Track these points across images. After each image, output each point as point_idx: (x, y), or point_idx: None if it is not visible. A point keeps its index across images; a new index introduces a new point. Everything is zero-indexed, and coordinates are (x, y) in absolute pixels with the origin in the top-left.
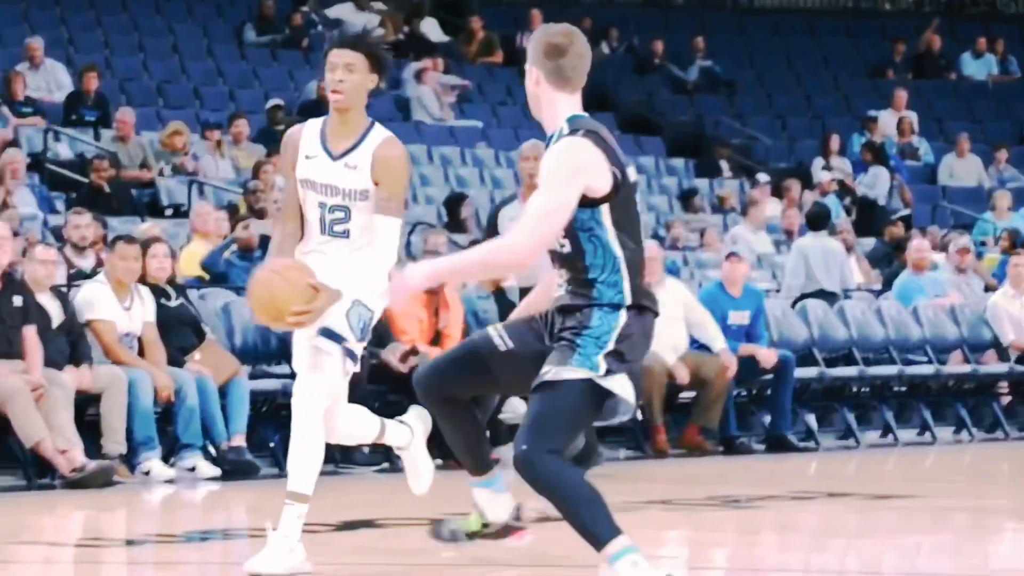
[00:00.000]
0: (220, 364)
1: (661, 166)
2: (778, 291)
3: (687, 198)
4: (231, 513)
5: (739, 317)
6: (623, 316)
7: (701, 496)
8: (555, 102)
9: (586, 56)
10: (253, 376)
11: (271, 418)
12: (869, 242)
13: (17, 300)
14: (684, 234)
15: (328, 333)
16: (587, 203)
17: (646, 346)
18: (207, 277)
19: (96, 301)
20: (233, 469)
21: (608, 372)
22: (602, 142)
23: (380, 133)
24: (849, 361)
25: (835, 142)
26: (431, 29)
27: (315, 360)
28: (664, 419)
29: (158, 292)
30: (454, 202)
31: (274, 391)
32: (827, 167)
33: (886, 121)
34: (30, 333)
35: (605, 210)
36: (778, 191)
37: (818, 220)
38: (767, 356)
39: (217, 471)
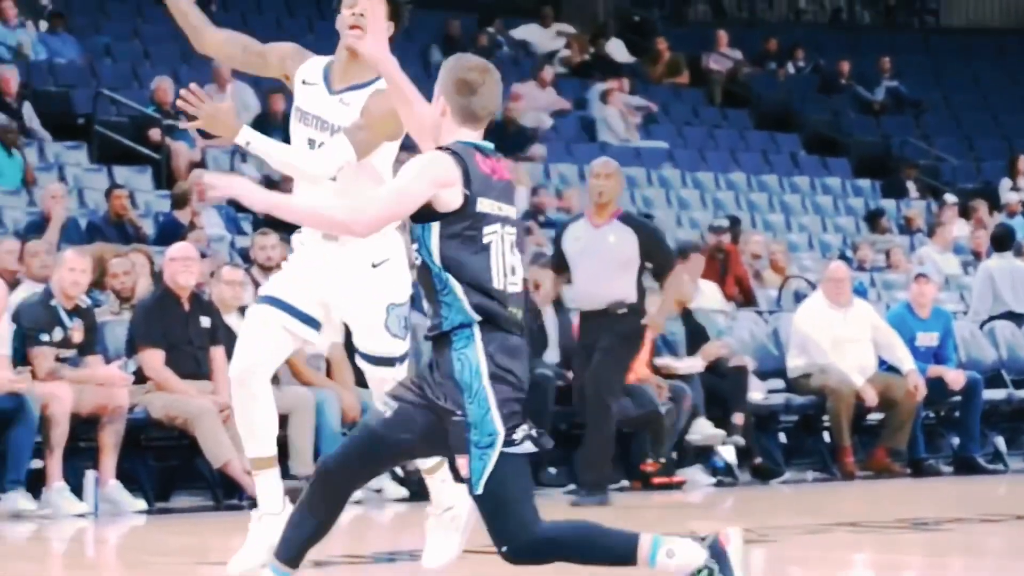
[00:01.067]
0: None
1: (847, 187)
2: (966, 312)
3: (874, 219)
4: (418, 534)
5: (927, 338)
6: (477, 340)
7: (889, 518)
8: (456, 135)
9: (497, 94)
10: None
11: None
12: None
13: (205, 321)
14: (871, 255)
15: (379, 360)
16: (427, 216)
17: (520, 365)
18: None
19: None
20: (420, 491)
21: (510, 435)
22: (464, 163)
23: (384, 84)
24: None
25: (1023, 162)
26: (617, 50)
27: (379, 386)
28: (852, 441)
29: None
30: None
31: None
32: (1015, 188)
33: None
34: (218, 354)
35: (436, 228)
36: (965, 212)
37: (1003, 241)
38: (955, 378)
39: (404, 492)
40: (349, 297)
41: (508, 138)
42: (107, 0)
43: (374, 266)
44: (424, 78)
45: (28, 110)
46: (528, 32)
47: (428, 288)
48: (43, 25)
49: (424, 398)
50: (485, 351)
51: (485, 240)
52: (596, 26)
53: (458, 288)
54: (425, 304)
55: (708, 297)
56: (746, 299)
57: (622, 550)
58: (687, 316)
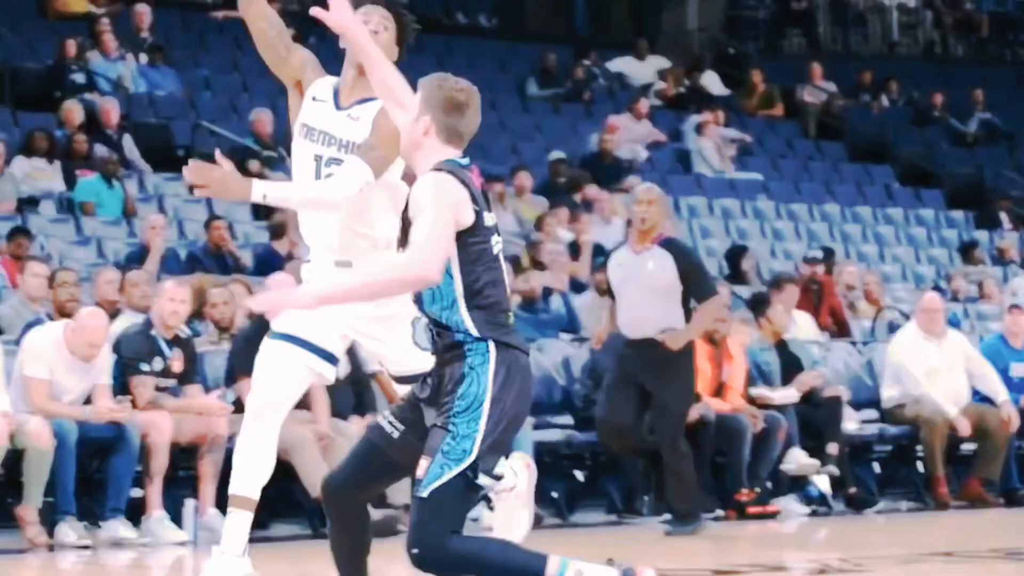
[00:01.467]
0: None
1: (941, 218)
2: None
3: (967, 250)
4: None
5: (1021, 369)
6: (492, 358)
7: (983, 548)
8: (439, 154)
9: (479, 115)
10: (537, 427)
11: (553, 468)
12: None
13: None
14: (964, 286)
15: (414, 378)
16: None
17: (525, 385)
18: None
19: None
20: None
21: (478, 463)
22: (463, 181)
23: None
24: None
25: None
26: (712, 82)
27: None
28: (946, 471)
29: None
30: (735, 254)
31: (557, 442)
32: None
33: None
34: (316, 384)
35: (455, 246)
36: None
37: None
38: None
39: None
40: (374, 321)
41: (604, 170)
42: (206, 33)
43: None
44: (520, 110)
45: (128, 142)
46: (624, 64)
47: (444, 302)
48: (143, 58)
49: (419, 414)
50: (496, 371)
51: (494, 251)
52: (691, 59)
53: (476, 302)
54: (434, 317)
55: (802, 328)
56: (840, 330)
57: (530, 570)
58: (782, 347)
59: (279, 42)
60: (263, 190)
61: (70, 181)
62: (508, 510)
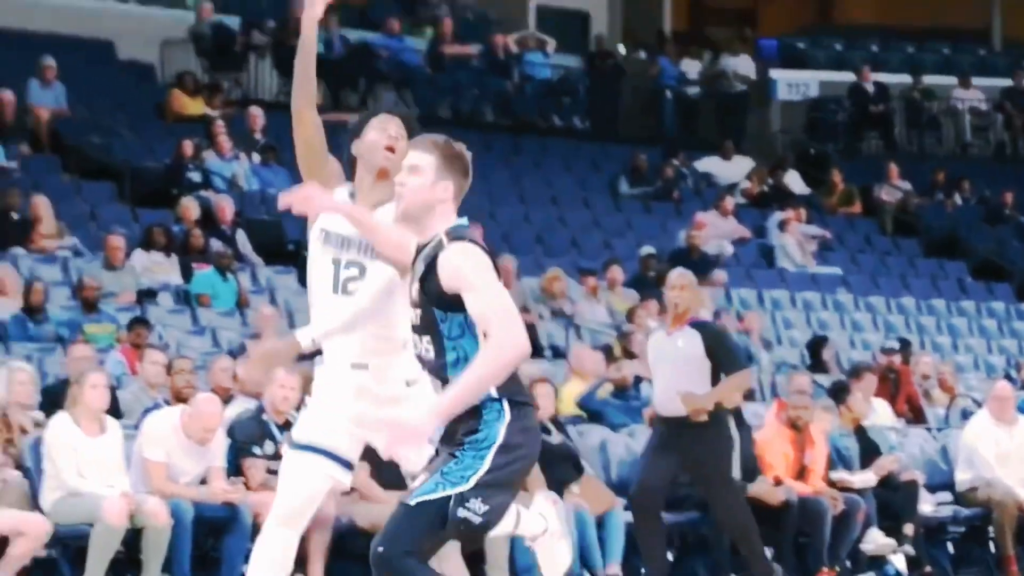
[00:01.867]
0: (597, 497)
1: (1011, 311)
2: None
3: None
4: None
5: None
6: (506, 415)
7: None
8: (447, 215)
9: None
10: (628, 509)
11: None
12: None
13: None
14: None
15: None
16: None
17: (533, 440)
18: (584, 414)
19: None
20: None
21: (468, 496)
22: (482, 246)
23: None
24: None
25: None
26: (794, 181)
27: None
28: (1016, 551)
29: (540, 428)
30: (816, 344)
31: None
32: None
33: None
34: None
35: None
36: None
37: None
38: None
39: None
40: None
41: (692, 264)
42: None
43: (408, 385)
44: (613, 208)
45: (242, 237)
46: (711, 164)
47: (458, 367)
48: (256, 157)
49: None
50: (510, 426)
51: None
52: (775, 159)
53: None
54: (441, 376)
55: (880, 415)
56: (916, 417)
57: None
58: (861, 433)
59: (322, 151)
60: (308, 337)
61: (187, 274)
62: (548, 550)
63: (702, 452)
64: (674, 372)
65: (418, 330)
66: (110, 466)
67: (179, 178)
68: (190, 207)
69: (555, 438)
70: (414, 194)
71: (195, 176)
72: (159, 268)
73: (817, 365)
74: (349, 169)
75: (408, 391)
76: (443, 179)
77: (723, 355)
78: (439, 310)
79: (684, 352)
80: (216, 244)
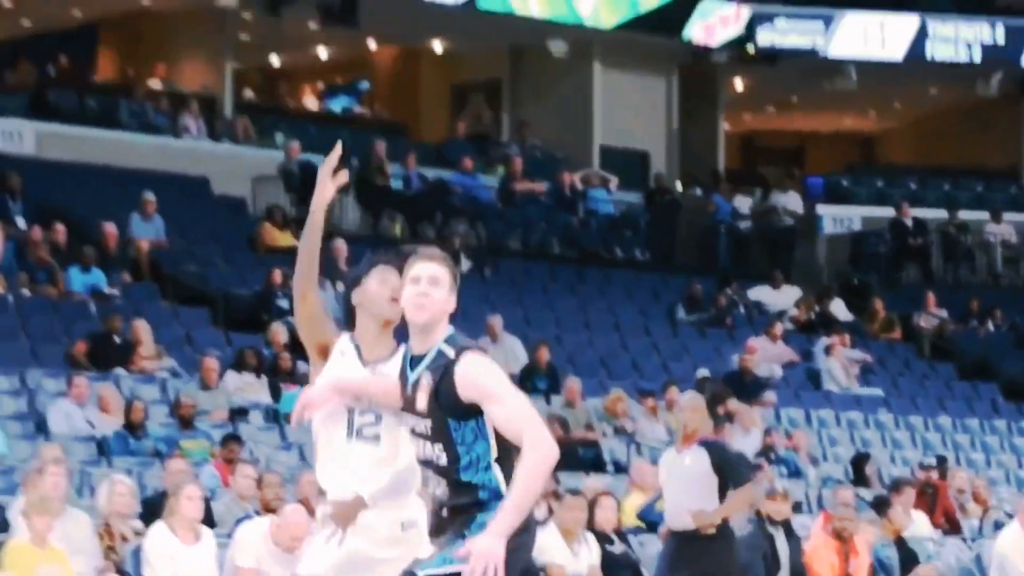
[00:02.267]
0: None
1: None
2: None
3: None
4: None
5: None
6: None
7: None
8: (448, 328)
9: None
10: None
11: None
12: None
13: None
14: None
15: None
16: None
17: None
18: (644, 526)
19: (548, 546)
20: None
21: None
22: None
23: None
24: None
25: None
26: (839, 309)
27: None
28: None
29: (603, 539)
30: (859, 461)
31: None
32: None
33: None
34: None
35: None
36: None
37: None
38: None
39: None
40: (384, 561)
41: (744, 386)
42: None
43: (403, 528)
44: (671, 334)
45: None
46: (761, 293)
47: (479, 466)
48: (340, 286)
49: None
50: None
51: None
52: (821, 288)
53: (505, 461)
54: (464, 480)
55: (919, 526)
56: (952, 528)
57: None
58: (901, 543)
59: (324, 321)
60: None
61: (275, 394)
62: None
63: (710, 563)
64: (683, 489)
65: (429, 438)
66: (204, 573)
67: (269, 305)
68: (279, 332)
69: (617, 548)
70: (436, 305)
71: (284, 303)
72: (250, 388)
73: (860, 480)
74: (348, 318)
75: (403, 535)
76: (453, 292)
77: (728, 471)
78: (452, 419)
79: (691, 470)
80: (304, 366)
